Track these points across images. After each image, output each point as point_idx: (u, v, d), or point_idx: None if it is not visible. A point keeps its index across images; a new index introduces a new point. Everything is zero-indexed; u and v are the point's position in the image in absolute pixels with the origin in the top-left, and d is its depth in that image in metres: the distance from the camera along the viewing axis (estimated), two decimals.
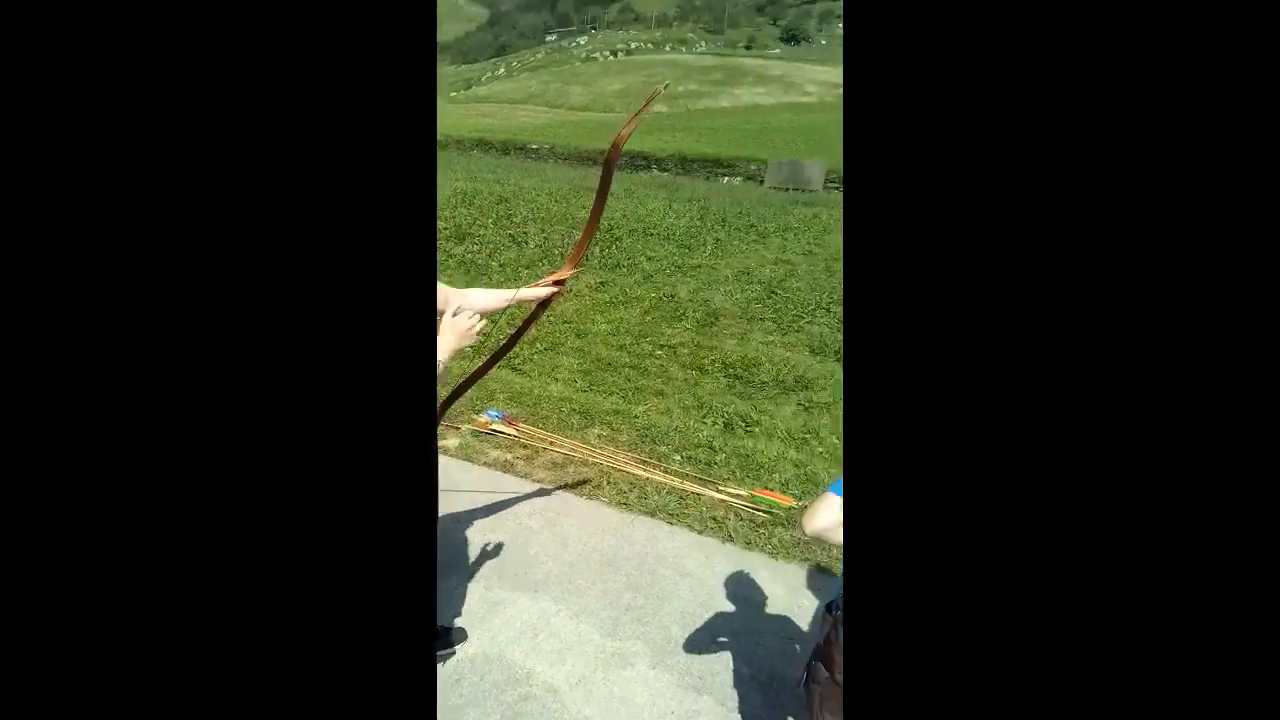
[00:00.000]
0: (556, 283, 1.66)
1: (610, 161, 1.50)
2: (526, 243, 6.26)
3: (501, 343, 1.85)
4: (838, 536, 0.98)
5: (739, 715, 1.64)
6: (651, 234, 6.86)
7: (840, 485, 1.02)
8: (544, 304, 1.73)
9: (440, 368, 1.29)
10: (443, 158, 12.18)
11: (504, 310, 1.70)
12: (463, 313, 1.33)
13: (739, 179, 13.08)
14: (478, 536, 2.28)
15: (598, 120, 24.28)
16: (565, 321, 4.71)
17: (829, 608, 1.20)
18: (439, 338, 1.30)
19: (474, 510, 2.42)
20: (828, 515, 1.02)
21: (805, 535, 1.26)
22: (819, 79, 38.72)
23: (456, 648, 1.76)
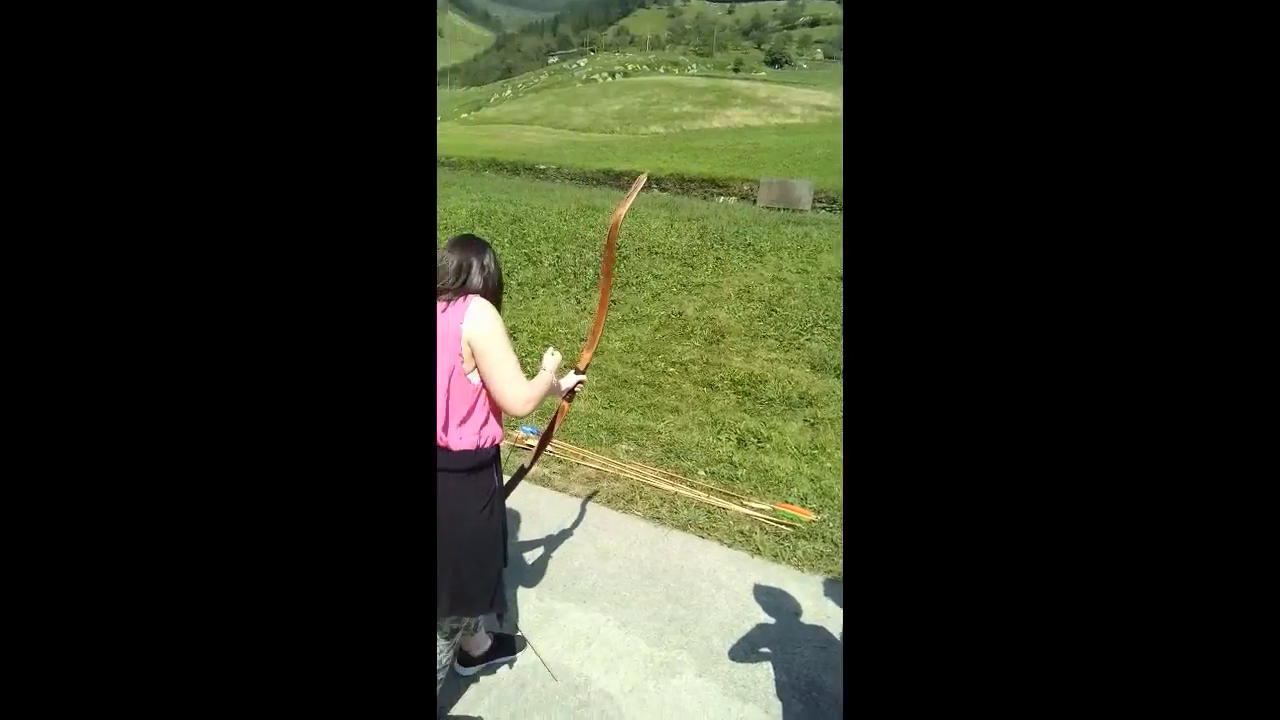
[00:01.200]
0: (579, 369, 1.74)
1: (610, 244, 1.59)
2: (541, 261, 6.38)
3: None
4: None
5: None
6: (656, 252, 7.01)
7: None
8: (571, 393, 1.76)
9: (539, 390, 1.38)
10: (458, 178, 12.32)
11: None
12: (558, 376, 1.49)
13: (733, 199, 13.33)
14: (525, 548, 2.37)
15: (599, 140, 24.61)
16: (582, 340, 4.83)
17: None
18: (541, 379, 1.42)
19: (520, 522, 2.50)
20: None
21: None
22: (803, 100, 39.73)
23: (519, 654, 1.84)
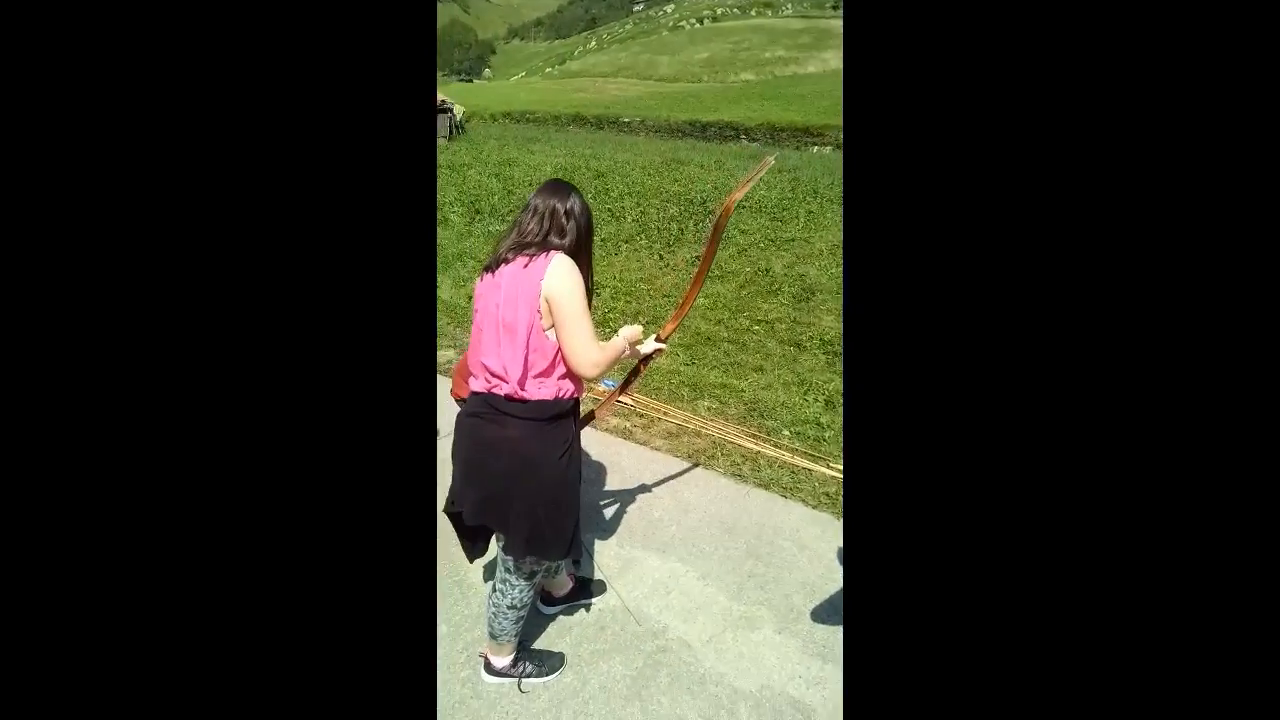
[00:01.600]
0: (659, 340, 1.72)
1: (720, 226, 1.51)
2: (624, 217, 6.35)
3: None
4: None
5: None
6: (744, 206, 6.78)
7: None
8: (647, 359, 1.76)
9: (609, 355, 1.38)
10: (542, 134, 12.43)
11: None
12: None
13: (829, 148, 12.58)
14: (606, 497, 2.42)
15: (686, 90, 23.89)
16: (665, 296, 4.78)
17: None
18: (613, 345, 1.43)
19: (601, 473, 2.56)
20: None
21: None
22: None
23: (596, 599, 1.90)
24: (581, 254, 1.31)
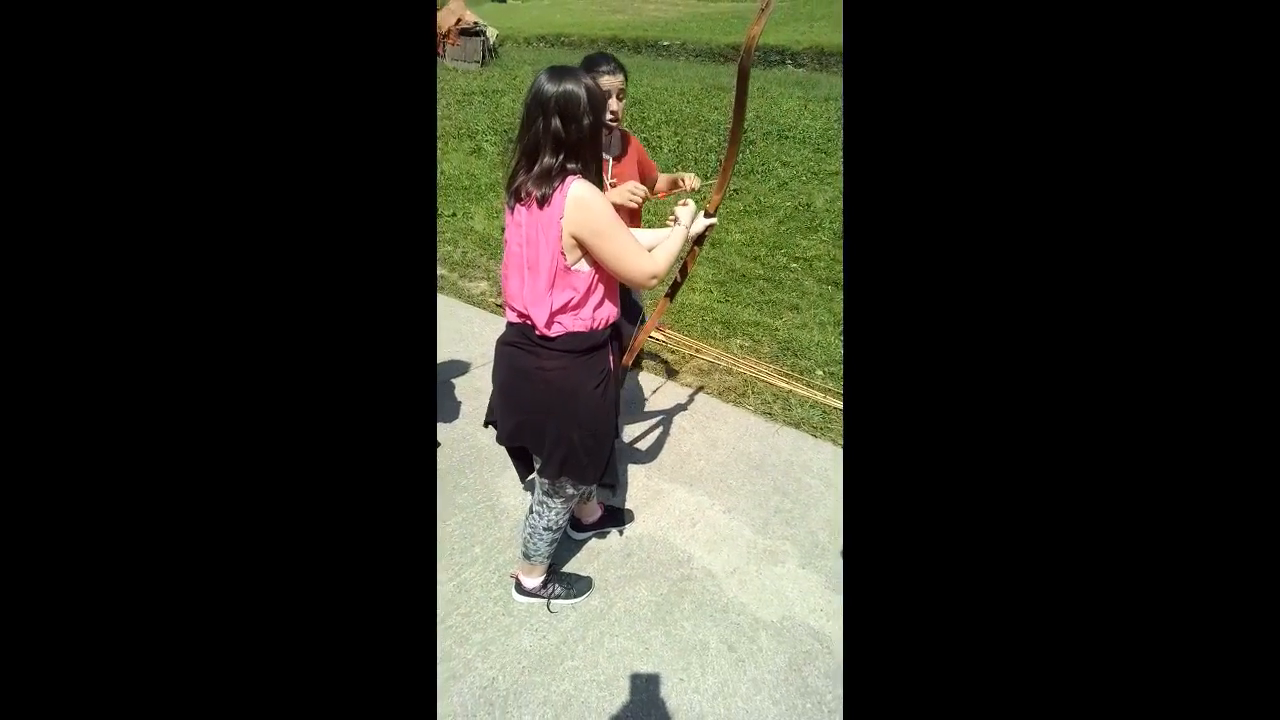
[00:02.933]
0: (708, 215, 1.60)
1: (744, 69, 1.33)
2: (661, 146, 6.13)
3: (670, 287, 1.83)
4: None
5: None
6: (787, 137, 6.47)
7: None
8: (701, 239, 1.65)
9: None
10: (576, 57, 11.83)
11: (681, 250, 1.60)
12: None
13: None
14: (636, 431, 2.45)
15: (730, 11, 22.45)
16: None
17: None
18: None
19: (631, 407, 2.58)
20: None
21: None
22: None
23: (626, 526, 1.95)
24: (592, 148, 1.21)
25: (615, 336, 1.41)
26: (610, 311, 1.32)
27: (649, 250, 1.28)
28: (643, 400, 2.66)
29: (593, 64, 1.65)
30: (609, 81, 1.63)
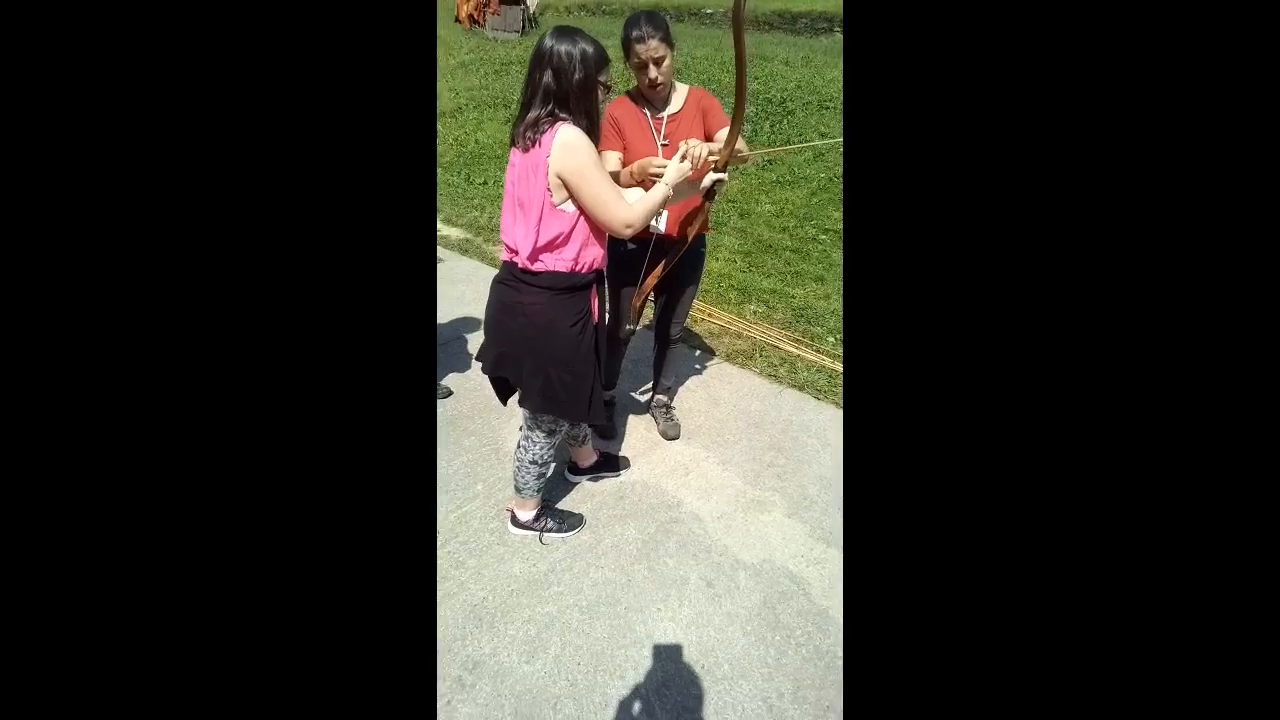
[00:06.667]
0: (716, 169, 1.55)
1: (738, 18, 1.25)
2: None
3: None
4: None
5: None
6: (828, 107, 6.32)
7: None
8: (710, 194, 1.60)
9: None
10: (618, 26, 11.75)
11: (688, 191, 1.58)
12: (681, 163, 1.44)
13: None
14: (638, 386, 2.53)
15: None
16: (730, 201, 4.66)
17: None
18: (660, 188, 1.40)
19: (637, 365, 2.66)
20: None
21: None
22: None
23: (622, 472, 2.05)
24: (579, 100, 1.29)
25: (600, 281, 1.48)
26: (595, 255, 1.40)
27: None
28: (647, 358, 2.73)
29: (628, 29, 1.68)
30: (642, 49, 1.65)
